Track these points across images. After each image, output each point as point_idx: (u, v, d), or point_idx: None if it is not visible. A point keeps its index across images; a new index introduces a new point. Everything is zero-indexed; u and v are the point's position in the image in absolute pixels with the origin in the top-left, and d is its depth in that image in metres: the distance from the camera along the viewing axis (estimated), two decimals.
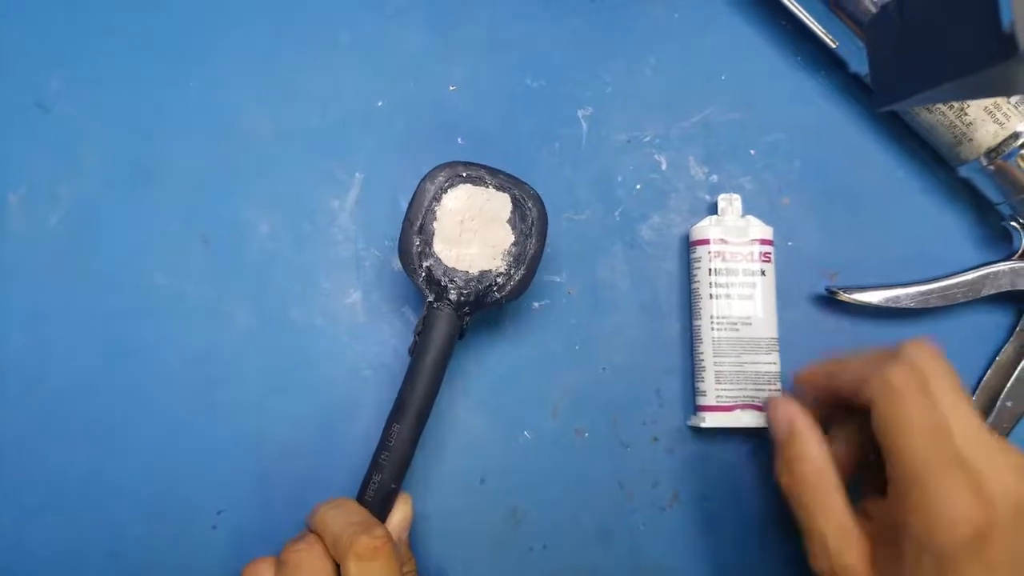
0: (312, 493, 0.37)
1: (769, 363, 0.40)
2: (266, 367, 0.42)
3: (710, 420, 0.40)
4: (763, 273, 0.40)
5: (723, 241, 0.40)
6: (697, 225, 0.41)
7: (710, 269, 0.40)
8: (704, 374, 0.41)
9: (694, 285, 0.41)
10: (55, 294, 0.41)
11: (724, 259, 0.40)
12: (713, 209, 0.43)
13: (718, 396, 0.40)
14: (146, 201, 0.42)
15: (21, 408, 0.41)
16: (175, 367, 0.41)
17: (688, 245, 0.42)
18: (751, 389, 0.40)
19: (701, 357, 0.41)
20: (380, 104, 0.42)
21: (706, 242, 0.41)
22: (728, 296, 0.40)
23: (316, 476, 0.41)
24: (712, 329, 0.40)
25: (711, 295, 0.40)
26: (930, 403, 0.30)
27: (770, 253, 0.41)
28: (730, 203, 0.41)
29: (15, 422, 0.41)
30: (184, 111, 0.42)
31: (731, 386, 0.40)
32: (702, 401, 0.41)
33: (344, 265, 0.42)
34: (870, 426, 0.32)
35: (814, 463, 0.34)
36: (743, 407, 0.40)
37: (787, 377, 0.40)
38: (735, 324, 0.40)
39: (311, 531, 0.35)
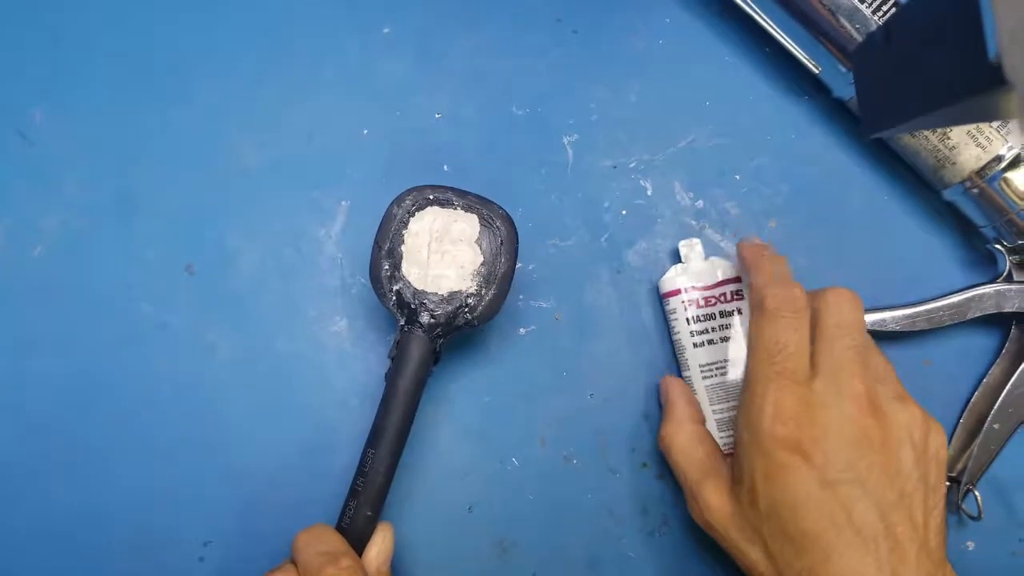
0: (299, 522, 0.36)
1: None
2: (252, 396, 0.41)
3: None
4: (739, 311, 0.41)
5: (694, 288, 0.41)
6: (665, 277, 0.41)
7: (688, 319, 0.41)
8: (708, 425, 0.40)
9: (675, 337, 0.42)
10: (39, 324, 0.41)
11: (699, 305, 0.40)
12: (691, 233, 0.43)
13: (724, 444, 0.40)
14: (131, 231, 0.42)
15: (4, 439, 0.40)
16: (160, 397, 0.41)
17: (660, 298, 0.42)
18: None
19: (702, 407, 0.41)
20: (366, 132, 0.43)
21: (677, 292, 0.41)
22: (711, 342, 0.40)
23: (303, 505, 0.41)
24: (703, 378, 0.40)
25: (695, 344, 0.40)
26: (789, 327, 0.34)
27: (741, 291, 0.41)
28: (692, 248, 0.42)
29: (0, 453, 0.40)
30: (168, 141, 0.42)
31: (729, 433, 0.40)
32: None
33: (330, 293, 0.42)
34: None
35: (686, 437, 0.38)
36: None
37: None
38: (723, 367, 0.40)
39: (291, 560, 0.35)
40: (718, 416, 0.40)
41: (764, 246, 0.39)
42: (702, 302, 0.40)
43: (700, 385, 0.40)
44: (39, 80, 0.42)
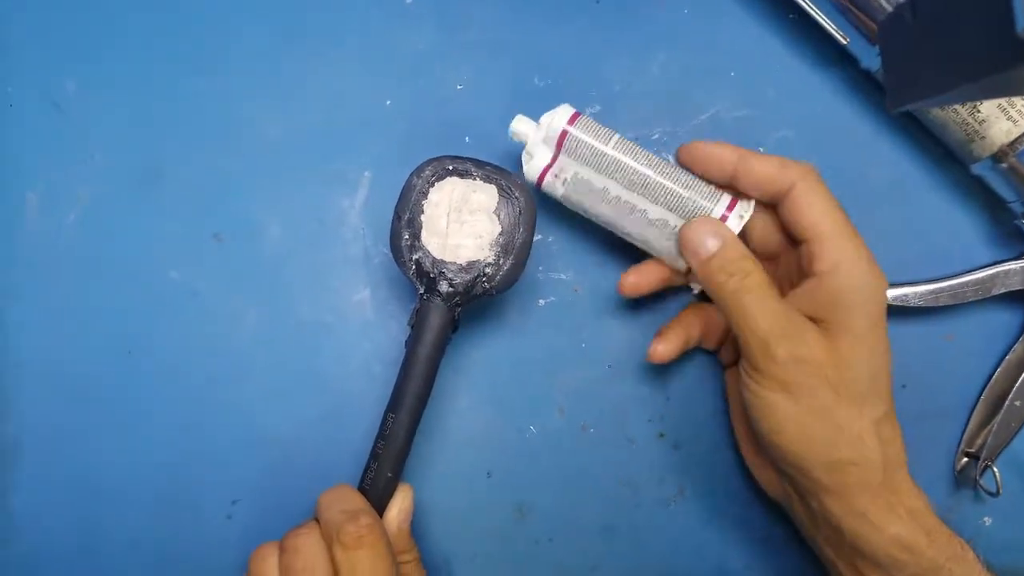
0: (322, 483, 0.38)
1: None
2: (278, 362, 0.42)
3: (735, 223, 0.36)
4: (612, 135, 0.37)
5: (558, 149, 0.37)
6: (525, 170, 0.38)
7: (603, 140, 0.37)
8: (699, 189, 0.37)
9: (600, 175, 0.37)
10: (72, 291, 0.42)
11: (577, 156, 0.37)
12: None
13: (721, 199, 0.36)
14: (160, 200, 0.42)
15: (39, 403, 0.42)
16: (189, 362, 0.42)
17: (540, 191, 0.39)
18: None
19: (674, 197, 0.36)
20: (388, 104, 0.43)
21: (562, 138, 0.37)
22: (626, 153, 0.37)
23: (326, 467, 0.42)
24: (650, 168, 0.36)
25: (623, 152, 0.36)
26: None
27: (588, 124, 0.37)
28: (518, 130, 0.38)
29: (34, 417, 0.42)
30: (195, 112, 0.43)
31: (712, 187, 0.37)
32: (721, 207, 0.36)
33: (353, 263, 0.43)
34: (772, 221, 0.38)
35: (758, 273, 0.35)
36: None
37: None
38: (661, 156, 0.37)
39: (314, 519, 0.36)
40: (693, 179, 0.37)
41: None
42: (575, 151, 0.37)
43: (655, 178, 0.36)
44: (71, 50, 0.43)
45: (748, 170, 0.36)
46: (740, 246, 0.36)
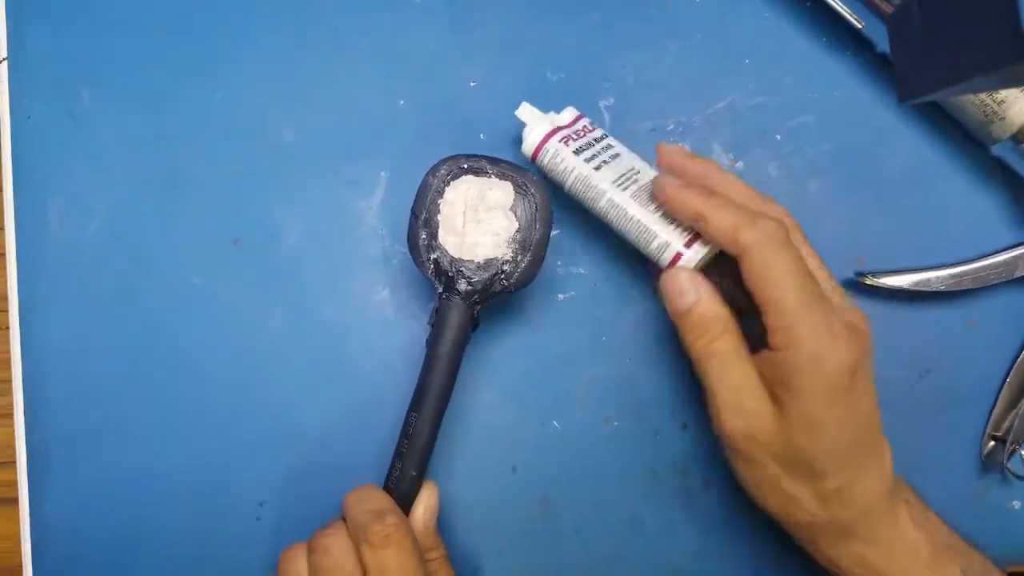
0: (348, 483, 0.38)
1: None
2: (301, 364, 0.43)
3: (691, 256, 0.36)
4: (605, 136, 0.39)
5: (558, 128, 0.38)
6: (524, 144, 0.38)
7: (574, 151, 0.37)
8: (652, 228, 0.36)
9: (573, 176, 0.37)
10: (96, 297, 0.43)
11: (575, 138, 0.38)
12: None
13: (680, 235, 0.36)
14: (178, 207, 0.43)
15: (69, 409, 0.43)
16: (214, 366, 0.43)
17: (536, 169, 0.39)
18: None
19: (636, 219, 0.36)
20: (402, 103, 0.43)
21: (550, 135, 0.37)
22: (605, 162, 0.37)
23: (352, 467, 0.42)
24: (623, 189, 0.37)
25: (595, 167, 0.37)
26: (797, 254, 0.33)
27: (590, 122, 0.39)
28: (525, 113, 0.39)
29: (63, 422, 0.43)
30: (211, 119, 0.43)
31: (676, 222, 0.36)
32: (670, 252, 0.36)
33: (372, 263, 0.43)
34: (736, 276, 0.35)
35: (726, 337, 0.35)
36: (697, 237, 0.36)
37: None
38: (631, 177, 0.37)
39: (341, 518, 0.36)
40: (658, 213, 0.36)
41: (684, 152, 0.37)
42: (575, 136, 0.38)
43: (624, 197, 0.36)
44: (85, 61, 0.43)
45: (705, 224, 0.34)
46: (715, 303, 0.35)
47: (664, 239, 0.36)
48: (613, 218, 0.37)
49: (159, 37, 0.43)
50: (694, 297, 0.35)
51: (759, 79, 0.43)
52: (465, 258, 0.37)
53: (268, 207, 0.43)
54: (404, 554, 0.34)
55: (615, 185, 0.37)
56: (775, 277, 0.33)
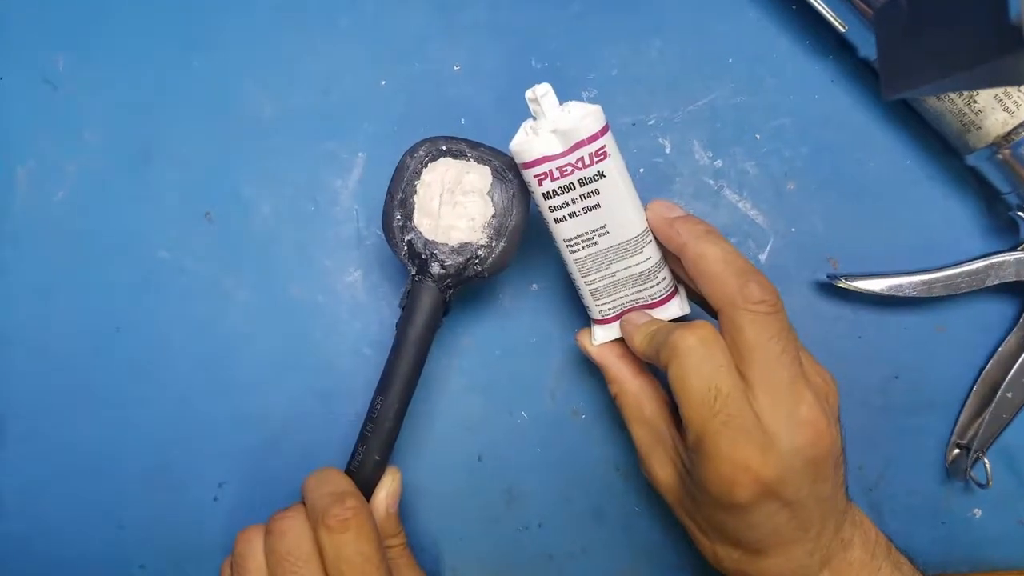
0: (310, 466, 0.37)
1: (642, 262, 0.36)
2: (267, 343, 0.42)
3: (600, 336, 0.38)
4: (601, 175, 0.34)
5: (546, 158, 0.34)
6: (514, 141, 0.34)
7: (544, 193, 0.35)
8: (582, 293, 0.37)
9: (537, 208, 0.36)
10: (61, 267, 0.42)
11: (554, 178, 0.34)
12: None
13: (601, 311, 0.38)
14: (150, 178, 0.42)
15: (27, 379, 0.42)
16: (177, 341, 0.42)
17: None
18: (632, 293, 0.37)
19: (572, 278, 0.37)
20: (383, 84, 0.42)
21: (531, 164, 0.34)
22: (573, 215, 0.35)
23: (314, 449, 0.42)
24: (571, 252, 0.36)
25: (556, 219, 0.35)
26: (713, 366, 0.31)
27: (605, 148, 0.34)
28: (538, 98, 0.33)
29: (21, 393, 0.42)
30: (187, 90, 0.42)
31: (611, 298, 0.37)
32: (591, 316, 0.38)
33: (345, 244, 0.42)
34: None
35: (631, 397, 0.37)
36: (633, 310, 0.37)
37: None
38: (591, 239, 0.36)
39: (302, 502, 0.36)
40: (592, 287, 0.37)
41: (674, 210, 0.36)
42: (556, 173, 0.34)
43: (569, 259, 0.36)
44: (62, 25, 0.42)
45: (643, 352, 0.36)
46: (622, 374, 0.38)
47: (588, 305, 0.38)
48: (563, 262, 0.38)
49: (139, 4, 0.42)
50: (605, 364, 0.38)
51: (741, 79, 0.43)
52: (439, 241, 0.36)
53: (242, 182, 0.42)
54: (363, 539, 0.33)
55: (567, 244, 0.36)
56: (681, 393, 0.32)
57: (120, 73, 0.42)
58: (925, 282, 0.41)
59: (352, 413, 0.41)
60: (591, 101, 0.41)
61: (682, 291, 0.38)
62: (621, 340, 0.38)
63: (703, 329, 0.32)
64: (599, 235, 0.35)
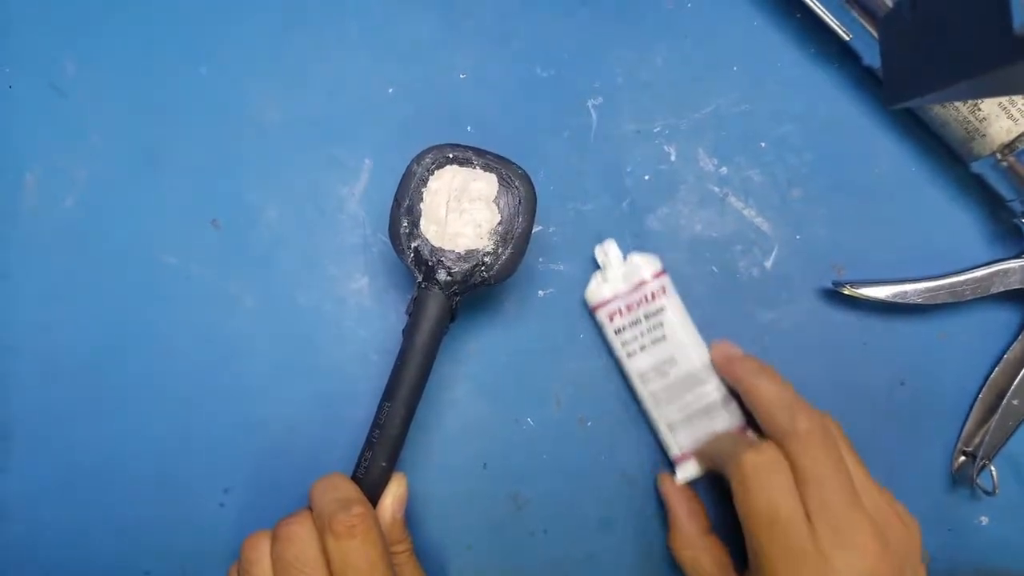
0: (316, 472, 0.37)
1: (712, 391, 0.40)
2: (273, 350, 0.42)
3: (683, 472, 0.40)
4: (664, 309, 0.40)
5: (615, 297, 0.40)
6: (588, 290, 0.41)
7: (615, 330, 0.40)
8: (660, 429, 0.40)
9: (610, 348, 0.41)
10: (67, 273, 0.42)
11: (622, 314, 0.40)
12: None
13: (680, 445, 0.40)
14: (158, 184, 0.42)
15: (34, 385, 0.42)
16: (184, 348, 0.42)
17: (589, 312, 0.42)
18: (708, 423, 0.40)
19: (650, 414, 0.41)
20: (390, 91, 0.43)
21: (601, 305, 0.40)
22: (643, 348, 0.40)
23: (320, 455, 0.42)
24: (644, 385, 0.40)
25: (628, 354, 0.40)
26: (776, 490, 0.33)
27: (666, 286, 0.40)
28: (606, 253, 0.41)
29: (26, 400, 0.42)
30: (194, 96, 0.42)
31: (688, 430, 0.40)
32: (671, 454, 0.41)
33: (352, 251, 0.42)
34: None
35: (693, 554, 0.39)
36: None
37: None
38: (662, 370, 0.40)
39: (308, 508, 0.36)
40: (669, 420, 0.40)
41: (737, 353, 0.40)
42: (624, 310, 0.40)
43: (644, 392, 0.40)
44: (71, 32, 0.43)
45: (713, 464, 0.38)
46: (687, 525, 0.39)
47: (666, 442, 0.41)
48: (636, 400, 0.41)
49: (147, 11, 0.43)
50: (676, 518, 0.40)
51: (746, 86, 0.43)
52: (446, 248, 0.36)
53: (249, 188, 0.42)
54: (369, 545, 0.33)
55: (641, 377, 0.40)
56: (745, 515, 0.34)
57: (128, 80, 0.43)
58: (930, 289, 0.41)
59: (358, 419, 0.41)
60: (596, 109, 0.42)
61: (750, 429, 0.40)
62: (693, 500, 0.40)
63: (770, 450, 0.34)
64: (669, 366, 0.40)
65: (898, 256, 0.43)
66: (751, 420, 0.39)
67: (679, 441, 0.40)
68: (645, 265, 0.40)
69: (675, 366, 0.40)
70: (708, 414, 0.40)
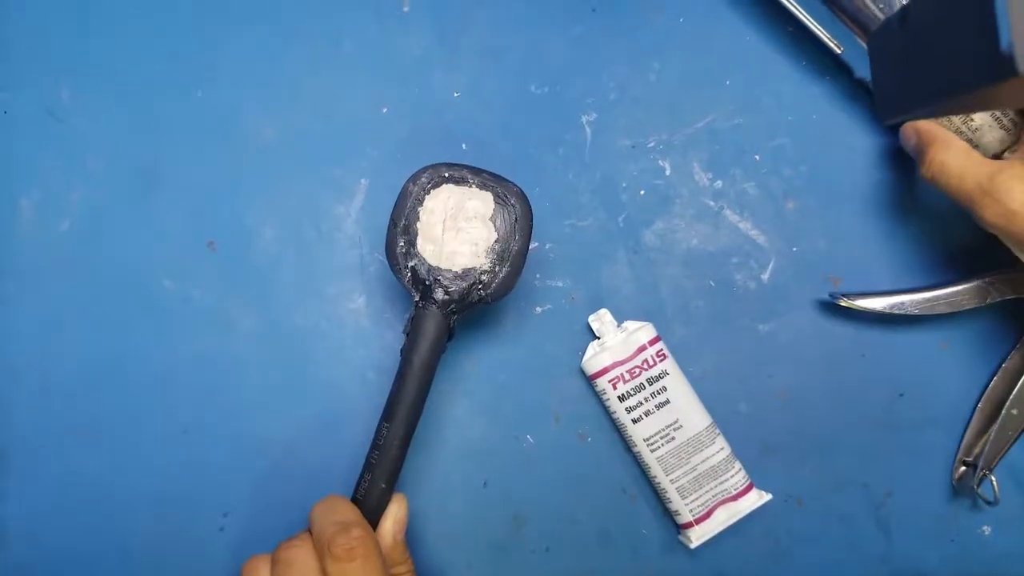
0: (315, 494, 0.37)
1: (717, 452, 0.40)
2: (271, 370, 0.42)
3: (696, 537, 0.40)
4: (667, 373, 0.40)
5: (616, 364, 0.40)
6: (585, 359, 0.41)
7: (619, 396, 0.40)
8: (668, 495, 0.40)
9: (613, 416, 0.41)
10: (64, 297, 0.42)
11: (626, 380, 0.40)
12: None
13: (691, 510, 0.40)
14: (154, 207, 0.42)
15: (33, 409, 0.42)
16: (181, 370, 0.42)
17: (587, 379, 0.42)
18: (715, 486, 0.40)
19: (657, 480, 0.41)
20: (385, 111, 0.43)
21: (602, 372, 0.40)
22: (648, 412, 0.40)
23: (320, 477, 0.42)
24: (652, 450, 0.40)
25: (633, 420, 0.40)
26: None
27: (663, 349, 0.40)
28: (602, 321, 0.41)
29: (27, 422, 0.42)
30: (190, 119, 0.43)
31: (697, 494, 0.40)
32: (680, 520, 0.40)
33: (348, 270, 0.42)
34: None
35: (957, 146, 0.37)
36: (719, 505, 0.40)
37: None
38: (667, 434, 0.40)
39: (307, 530, 0.35)
40: (677, 484, 0.40)
41: None
42: (627, 376, 0.40)
43: (651, 458, 0.40)
44: (67, 57, 0.43)
45: None
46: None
47: (676, 508, 0.40)
48: (642, 466, 0.41)
49: (142, 35, 0.43)
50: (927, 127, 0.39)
51: (739, 100, 0.43)
52: (443, 267, 0.36)
53: (245, 209, 0.42)
54: (369, 568, 0.33)
55: (647, 443, 0.40)
56: None
57: (123, 102, 0.43)
58: (927, 299, 0.41)
59: (357, 439, 0.41)
60: (590, 125, 0.42)
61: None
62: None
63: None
64: (674, 430, 0.40)
65: (895, 267, 0.43)
66: None
67: (691, 506, 0.40)
68: (642, 330, 0.40)
69: (680, 429, 0.40)
70: (717, 475, 0.40)
